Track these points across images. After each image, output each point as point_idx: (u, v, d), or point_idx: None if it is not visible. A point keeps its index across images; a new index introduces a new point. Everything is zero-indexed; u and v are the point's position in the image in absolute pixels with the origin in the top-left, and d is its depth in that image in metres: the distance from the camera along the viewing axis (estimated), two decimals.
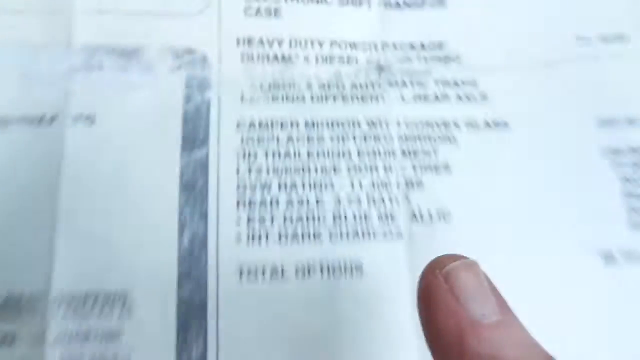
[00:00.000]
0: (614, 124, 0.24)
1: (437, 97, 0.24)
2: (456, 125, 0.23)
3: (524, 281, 0.21)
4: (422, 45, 0.24)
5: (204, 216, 0.21)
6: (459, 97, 0.24)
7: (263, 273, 0.21)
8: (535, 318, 0.20)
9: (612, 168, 0.23)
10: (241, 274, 0.20)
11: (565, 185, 0.23)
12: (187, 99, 0.22)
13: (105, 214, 0.20)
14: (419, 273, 0.21)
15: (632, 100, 0.24)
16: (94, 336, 0.19)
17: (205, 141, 0.22)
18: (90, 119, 0.21)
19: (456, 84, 0.24)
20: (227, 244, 0.21)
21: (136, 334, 0.19)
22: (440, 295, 0.13)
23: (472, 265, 0.14)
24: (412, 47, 0.24)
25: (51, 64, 0.22)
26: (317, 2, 0.24)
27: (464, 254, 0.21)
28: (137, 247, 0.20)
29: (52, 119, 0.21)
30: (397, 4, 0.25)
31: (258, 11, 0.23)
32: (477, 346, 0.12)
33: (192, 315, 0.20)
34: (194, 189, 0.21)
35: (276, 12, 0.24)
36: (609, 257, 0.22)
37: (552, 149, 0.23)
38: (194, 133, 0.22)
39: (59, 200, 0.20)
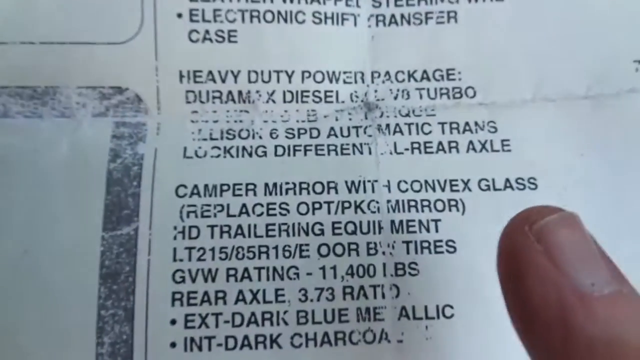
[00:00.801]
0: None
1: (442, 147, 0.18)
2: (466, 185, 0.18)
3: None
4: (425, 74, 0.19)
5: (130, 315, 0.16)
6: (472, 146, 0.18)
7: None
8: None
9: None
10: None
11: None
12: (114, 155, 0.17)
13: (6, 311, 0.16)
14: None
15: None
16: None
17: (134, 214, 0.17)
18: None
19: (469, 127, 0.18)
20: (159, 353, 0.16)
21: None
22: (533, 260, 0.10)
23: (572, 220, 0.11)
24: (412, 76, 0.19)
25: None
26: (285, 20, 0.18)
27: None
28: (43, 356, 0.16)
29: None
30: (393, 19, 0.19)
31: (207, 35, 0.18)
32: (589, 326, 0.10)
33: None
34: (117, 278, 0.16)
35: (230, 36, 0.18)
36: None
37: (591, 212, 0.18)
38: (121, 203, 0.17)
39: None
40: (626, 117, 0.18)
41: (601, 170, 0.18)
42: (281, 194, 0.17)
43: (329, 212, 0.17)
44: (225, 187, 0.17)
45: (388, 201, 0.17)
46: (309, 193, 0.17)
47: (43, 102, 0.18)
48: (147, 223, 0.17)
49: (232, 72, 0.18)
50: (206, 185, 0.17)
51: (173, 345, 0.16)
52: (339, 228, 0.17)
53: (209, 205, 0.17)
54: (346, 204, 0.17)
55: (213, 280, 0.17)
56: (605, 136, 0.18)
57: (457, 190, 0.18)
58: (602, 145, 0.18)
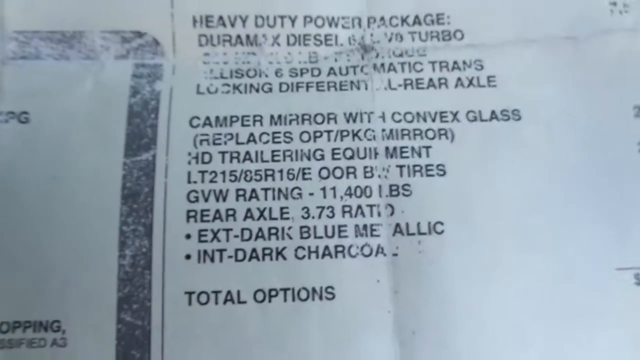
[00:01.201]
0: None
1: (432, 83, 0.20)
2: (455, 116, 0.19)
3: (534, 306, 0.18)
4: (417, 19, 0.20)
5: (149, 231, 0.18)
6: (460, 82, 0.20)
7: (216, 297, 0.18)
8: (553, 353, 0.17)
9: None
10: (191, 298, 0.18)
11: (592, 188, 0.19)
12: (134, 91, 0.19)
13: (36, 230, 0.18)
14: (404, 297, 0.18)
15: None
16: None
17: (152, 142, 0.19)
18: (24, 117, 0.19)
19: (457, 66, 0.20)
20: (175, 264, 0.18)
21: None
22: None
23: None
24: (405, 21, 0.20)
25: None
26: None
27: (458, 275, 0.18)
28: (71, 268, 0.18)
29: None
30: None
31: None
32: None
33: (133, 345, 0.17)
34: (137, 198, 0.18)
35: None
36: None
37: (575, 143, 0.19)
38: (140, 132, 0.19)
39: None
40: (603, 55, 0.20)
41: (582, 103, 0.20)
42: (285, 124, 0.19)
43: (328, 140, 0.19)
44: (234, 119, 0.19)
45: (383, 130, 0.19)
46: (310, 123, 0.19)
47: (70, 45, 0.20)
48: (164, 150, 0.19)
49: (240, 17, 0.20)
50: (217, 117, 0.19)
51: (188, 257, 0.18)
52: (338, 154, 0.19)
53: (219, 134, 0.19)
54: (344, 133, 0.19)
55: (224, 199, 0.18)
56: (585, 72, 0.20)
57: (447, 121, 0.19)
58: (582, 81, 0.20)
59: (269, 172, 0.19)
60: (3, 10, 0.19)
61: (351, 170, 0.19)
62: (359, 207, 0.18)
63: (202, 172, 0.18)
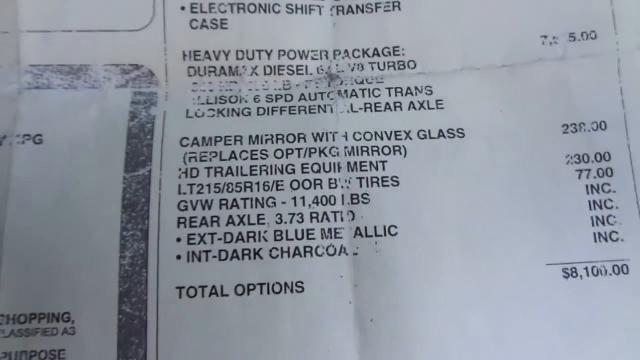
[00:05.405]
0: (581, 129, 0.22)
1: (389, 106, 0.23)
2: (408, 135, 0.22)
3: (475, 296, 0.21)
4: (376, 51, 0.24)
5: (145, 235, 0.21)
6: (413, 106, 0.23)
7: (203, 291, 0.21)
8: (492, 336, 0.20)
9: (578, 176, 0.22)
10: (181, 292, 0.21)
11: (527, 196, 0.22)
12: (133, 116, 0.22)
13: (50, 234, 0.21)
14: (364, 290, 0.21)
15: (600, 103, 0.23)
16: (38, 355, 0.20)
17: (148, 159, 0.22)
18: (38, 139, 0.22)
19: (410, 91, 0.23)
20: (168, 263, 0.21)
21: (79, 353, 0.20)
22: None
23: None
24: (366, 53, 0.24)
25: (1, 84, 0.22)
26: (265, 11, 0.23)
27: (409, 270, 0.21)
28: (79, 267, 0.21)
29: (1, 139, 0.22)
30: (350, 9, 0.24)
31: (204, 23, 0.23)
32: None
33: (132, 333, 0.20)
34: (135, 208, 0.21)
35: (222, 24, 0.23)
36: (571, 270, 0.21)
37: (512, 157, 0.22)
38: (138, 151, 0.22)
39: (5, 222, 0.21)
40: (536, 81, 0.23)
41: (518, 123, 0.23)
42: (262, 143, 0.22)
43: (299, 157, 0.22)
44: (218, 139, 0.22)
45: (345, 147, 0.22)
46: (283, 142, 0.22)
47: (78, 76, 0.23)
48: (159, 166, 0.22)
49: (223, 52, 0.23)
50: (204, 138, 0.22)
51: (179, 257, 0.21)
52: (307, 168, 0.22)
53: (206, 152, 0.22)
54: (313, 150, 0.22)
55: (209, 208, 0.21)
56: (520, 96, 0.23)
57: (401, 139, 0.22)
58: (518, 103, 0.23)
59: (248, 185, 0.22)
60: (20, 47, 0.22)
61: (318, 182, 0.22)
62: (325, 213, 0.21)
63: (191, 185, 0.22)
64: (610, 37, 0.23)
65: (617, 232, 0.21)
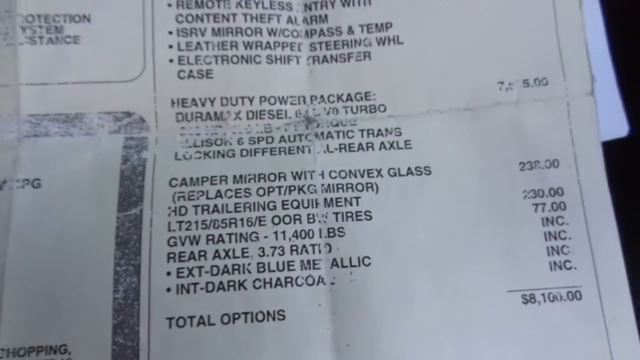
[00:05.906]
0: (535, 166, 0.25)
1: (361, 147, 0.25)
2: (379, 173, 0.24)
3: (445, 321, 0.23)
4: (349, 96, 0.26)
5: (137, 270, 0.23)
6: (383, 146, 0.25)
7: (191, 321, 0.22)
8: (460, 351, 0.22)
9: (534, 209, 0.24)
10: (171, 322, 0.22)
11: (489, 228, 0.24)
12: (125, 159, 0.24)
13: (48, 271, 0.22)
14: (340, 317, 0.23)
15: (552, 143, 0.25)
16: None
17: (139, 199, 0.24)
18: (36, 183, 0.23)
19: (381, 132, 0.25)
20: (158, 295, 0.22)
21: None
22: None
23: None
24: (340, 98, 0.26)
25: (1, 133, 0.24)
26: (247, 61, 0.25)
27: (383, 298, 0.23)
28: (76, 301, 0.22)
29: (2, 184, 0.23)
30: (325, 59, 0.26)
31: (191, 74, 0.25)
32: None
33: None
34: (128, 244, 0.23)
35: (208, 74, 0.25)
36: (530, 296, 0.23)
37: (475, 192, 0.24)
38: (130, 192, 0.24)
39: (6, 262, 0.22)
40: (494, 122, 0.25)
41: (479, 161, 0.25)
42: (245, 182, 0.24)
43: (279, 194, 0.24)
44: (205, 179, 0.24)
45: (322, 185, 0.24)
46: (265, 181, 0.24)
47: (73, 124, 0.25)
48: (150, 205, 0.24)
49: (209, 98, 0.25)
50: (191, 178, 0.24)
51: (168, 290, 0.23)
52: (287, 204, 0.24)
53: (193, 191, 0.24)
54: (292, 188, 0.24)
55: (197, 243, 0.23)
56: (481, 136, 0.25)
57: (373, 177, 0.24)
58: (479, 143, 0.25)
59: (233, 221, 0.23)
60: (19, 99, 0.24)
61: (297, 217, 0.24)
62: (304, 246, 0.23)
63: (180, 222, 0.23)
64: (559, 83, 0.25)
65: (570, 261, 0.23)
